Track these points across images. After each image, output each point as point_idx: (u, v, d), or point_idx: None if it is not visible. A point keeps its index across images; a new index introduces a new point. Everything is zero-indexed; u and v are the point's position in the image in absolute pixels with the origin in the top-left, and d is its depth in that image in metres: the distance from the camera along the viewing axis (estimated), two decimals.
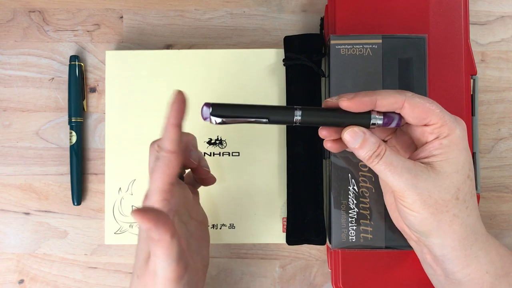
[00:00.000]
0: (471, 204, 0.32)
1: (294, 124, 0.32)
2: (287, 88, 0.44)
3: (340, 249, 0.40)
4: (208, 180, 0.38)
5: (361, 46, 0.40)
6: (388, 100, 0.31)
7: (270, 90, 0.45)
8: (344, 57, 0.40)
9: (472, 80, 0.43)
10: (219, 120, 0.32)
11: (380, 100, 0.31)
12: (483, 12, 0.47)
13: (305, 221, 0.43)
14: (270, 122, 0.32)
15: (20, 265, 0.46)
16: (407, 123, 0.33)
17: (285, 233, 0.44)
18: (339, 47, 0.40)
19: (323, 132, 0.34)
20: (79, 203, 0.46)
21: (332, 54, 0.40)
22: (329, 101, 0.32)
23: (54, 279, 0.46)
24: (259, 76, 0.45)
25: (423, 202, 0.31)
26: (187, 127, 0.33)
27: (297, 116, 0.32)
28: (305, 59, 0.43)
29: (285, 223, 0.44)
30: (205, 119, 0.32)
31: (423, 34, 0.40)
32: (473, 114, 0.42)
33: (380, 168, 0.31)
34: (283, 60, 0.44)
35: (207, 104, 0.32)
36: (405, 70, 0.40)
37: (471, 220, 0.32)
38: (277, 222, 0.44)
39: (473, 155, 0.42)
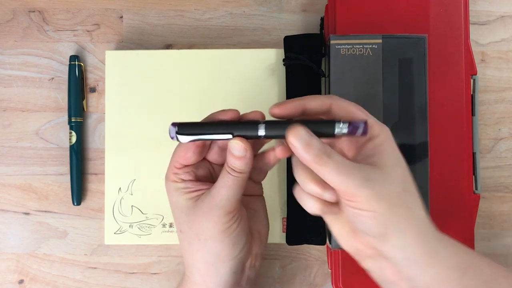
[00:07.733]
0: (418, 196, 0.32)
1: (260, 138, 0.33)
2: (287, 88, 0.44)
3: (340, 249, 0.40)
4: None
5: (361, 46, 0.40)
6: (315, 103, 0.33)
7: (270, 90, 0.44)
8: (344, 57, 0.40)
9: (472, 80, 0.43)
10: (186, 138, 0.33)
11: (308, 104, 0.33)
12: (483, 12, 0.47)
13: (305, 221, 0.43)
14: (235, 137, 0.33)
15: (20, 265, 0.46)
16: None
17: (285, 233, 0.44)
18: (339, 47, 0.40)
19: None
20: (79, 203, 0.46)
21: (332, 54, 0.40)
22: (272, 110, 0.33)
23: (54, 279, 0.46)
24: (259, 76, 0.44)
25: (377, 196, 0.30)
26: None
27: (261, 130, 0.32)
28: (305, 59, 0.43)
29: (285, 223, 0.44)
30: (172, 138, 0.33)
31: (423, 34, 0.40)
32: (473, 114, 0.42)
33: (328, 169, 0.30)
34: (283, 60, 0.44)
35: (174, 124, 0.33)
36: (405, 70, 0.40)
37: (423, 212, 0.32)
38: (277, 222, 0.44)
39: (473, 155, 0.42)
